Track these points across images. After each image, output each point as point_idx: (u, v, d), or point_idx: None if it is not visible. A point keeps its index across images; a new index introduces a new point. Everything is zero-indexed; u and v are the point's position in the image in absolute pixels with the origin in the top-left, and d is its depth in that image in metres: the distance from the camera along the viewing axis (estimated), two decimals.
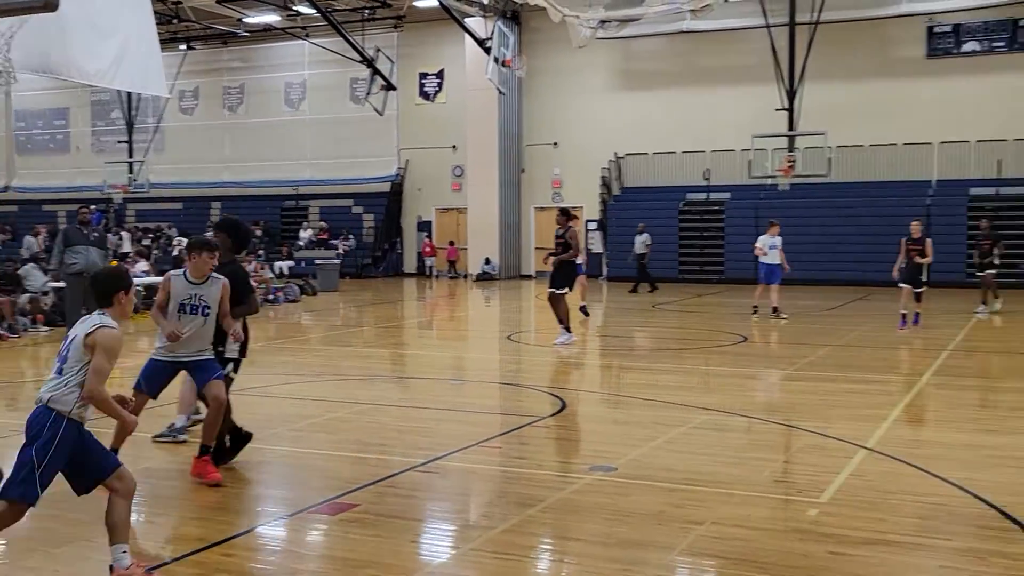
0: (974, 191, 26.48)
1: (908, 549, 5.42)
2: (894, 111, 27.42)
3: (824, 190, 27.24)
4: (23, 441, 4.69)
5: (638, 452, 7.65)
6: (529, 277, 32.43)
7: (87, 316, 4.83)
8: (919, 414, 9.47)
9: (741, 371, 12.25)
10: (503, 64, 28.20)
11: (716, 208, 28.86)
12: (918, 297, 15.98)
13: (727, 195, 29.20)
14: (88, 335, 4.68)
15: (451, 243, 33.41)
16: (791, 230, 25.63)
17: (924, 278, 15.88)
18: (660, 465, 7.20)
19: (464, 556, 5.40)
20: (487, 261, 31.39)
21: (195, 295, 6.72)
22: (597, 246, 30.04)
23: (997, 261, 18.65)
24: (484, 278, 30.94)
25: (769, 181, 26.29)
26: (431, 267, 33.36)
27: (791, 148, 24.49)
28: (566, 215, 14.57)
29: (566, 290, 14.11)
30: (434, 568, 5.28)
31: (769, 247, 18.02)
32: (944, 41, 27.24)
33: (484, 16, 29.33)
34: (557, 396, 10.05)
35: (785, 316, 17.56)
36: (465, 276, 32.28)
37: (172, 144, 36.90)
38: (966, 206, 26.13)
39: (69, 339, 4.77)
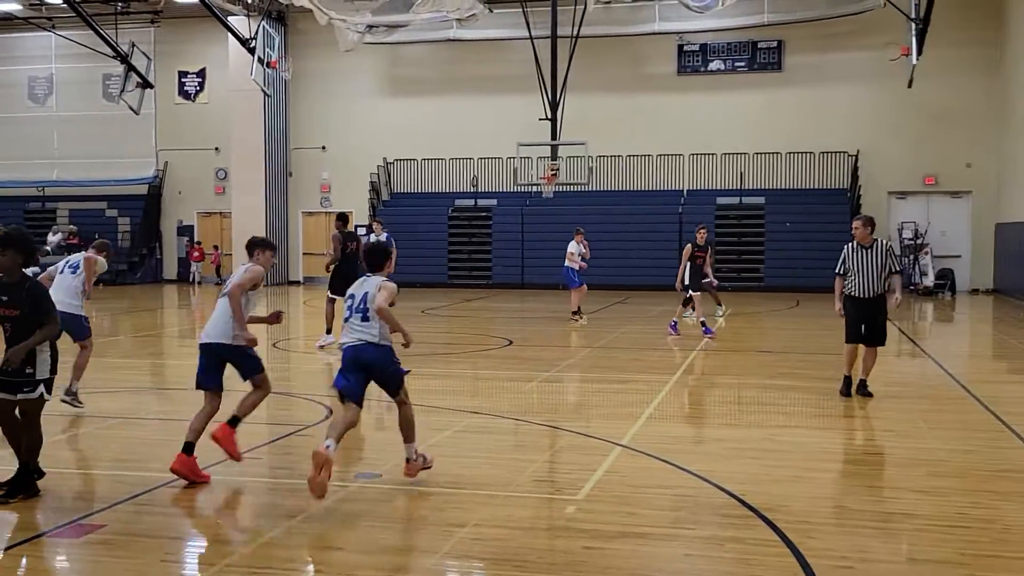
0: (721, 200, 28.35)
1: (657, 540, 5.71)
2: (649, 124, 28.94)
3: (585, 198, 28.40)
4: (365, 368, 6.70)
5: (401, 458, 7.65)
6: (297, 283, 31.82)
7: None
8: (670, 411, 10.00)
9: (506, 374, 12.52)
10: (268, 65, 27.60)
11: (484, 214, 29.41)
12: (686, 302, 16.26)
13: (494, 202, 29.83)
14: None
15: (215, 247, 32.27)
16: (555, 236, 26.50)
17: (713, 280, 16.17)
18: (424, 470, 7.23)
19: (220, 572, 5.21)
20: None
21: None
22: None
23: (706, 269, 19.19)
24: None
25: (534, 188, 27.09)
26: (195, 273, 32.03)
27: (554, 157, 25.32)
28: (343, 220, 15.20)
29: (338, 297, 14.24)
30: None
31: (578, 253, 18.83)
32: (692, 59, 29.04)
33: (248, 15, 28.56)
34: (323, 404, 9.91)
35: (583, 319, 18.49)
36: (218, 283, 31.23)
37: None
38: (714, 214, 27.92)
39: (361, 295, 6.77)
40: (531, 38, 25.74)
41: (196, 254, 32.04)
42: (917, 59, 23.05)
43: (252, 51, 27.07)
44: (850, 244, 10.39)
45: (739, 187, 28.44)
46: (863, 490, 6.76)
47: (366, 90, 31.46)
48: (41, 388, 6.38)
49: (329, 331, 14.66)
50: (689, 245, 15.99)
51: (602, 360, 13.65)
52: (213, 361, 7.32)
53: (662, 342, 15.73)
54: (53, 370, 6.50)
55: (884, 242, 10.30)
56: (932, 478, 7.24)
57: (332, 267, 14.82)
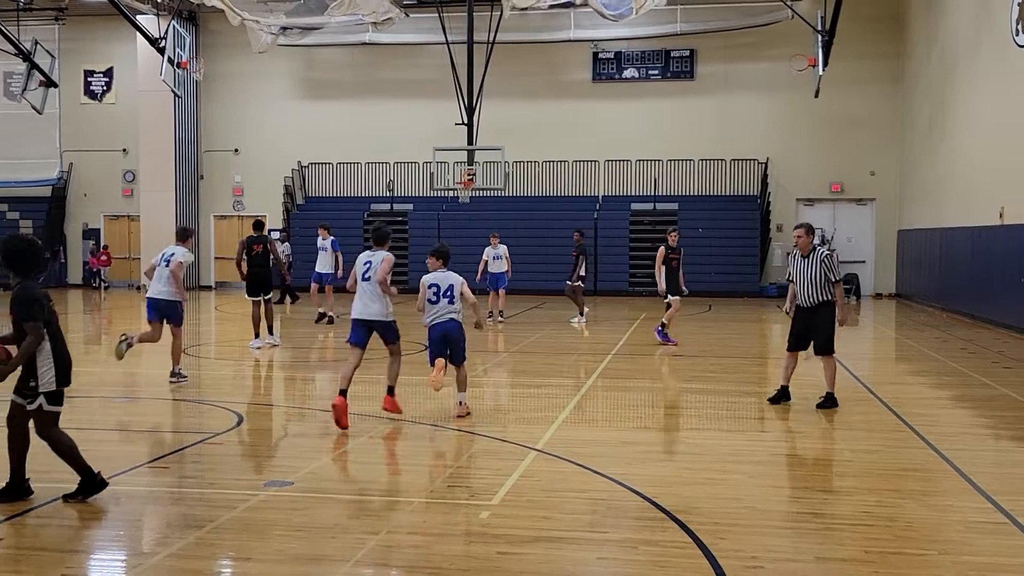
0: (635, 206, 28.69)
1: (571, 544, 5.72)
2: (565, 130, 29.15)
3: (502, 203, 28.45)
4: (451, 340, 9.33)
5: (316, 464, 7.55)
6: (209, 288, 31.20)
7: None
8: (584, 415, 10.06)
9: (422, 379, 12.43)
10: (178, 66, 27.00)
11: (400, 219, 29.24)
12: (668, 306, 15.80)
13: (410, 206, 29.69)
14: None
15: (104, 247, 31.44)
16: (472, 241, 26.44)
17: (684, 288, 15.69)
18: (338, 477, 7.16)
19: None
20: None
21: None
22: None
23: (583, 272, 19.21)
24: None
25: (450, 193, 27.02)
26: (102, 277, 31.15)
27: (471, 162, 25.29)
28: (259, 228, 15.83)
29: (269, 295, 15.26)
30: None
31: (493, 257, 19.49)
32: (607, 67, 29.34)
33: (158, 14, 27.89)
34: (234, 411, 9.72)
35: (503, 320, 19.21)
36: (139, 287, 30.49)
37: None
38: (628, 220, 28.24)
39: (447, 286, 9.41)
40: (447, 43, 25.69)
41: (104, 258, 31.15)
42: (823, 70, 23.66)
43: (162, 51, 26.44)
44: (792, 252, 10.38)
45: (653, 193, 28.81)
46: (772, 491, 6.89)
47: (280, 93, 31.04)
48: (40, 400, 6.29)
49: (258, 335, 15.12)
50: (662, 247, 15.69)
51: (518, 365, 13.67)
52: (366, 330, 9.33)
53: (577, 346, 15.82)
54: (60, 381, 6.36)
55: (821, 251, 10.11)
56: (838, 478, 7.42)
57: (244, 271, 15.37)
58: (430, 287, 9.44)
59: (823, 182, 28.37)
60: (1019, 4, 17.63)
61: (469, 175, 24.82)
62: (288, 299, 23.86)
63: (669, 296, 15.72)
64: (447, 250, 9.74)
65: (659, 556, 5.47)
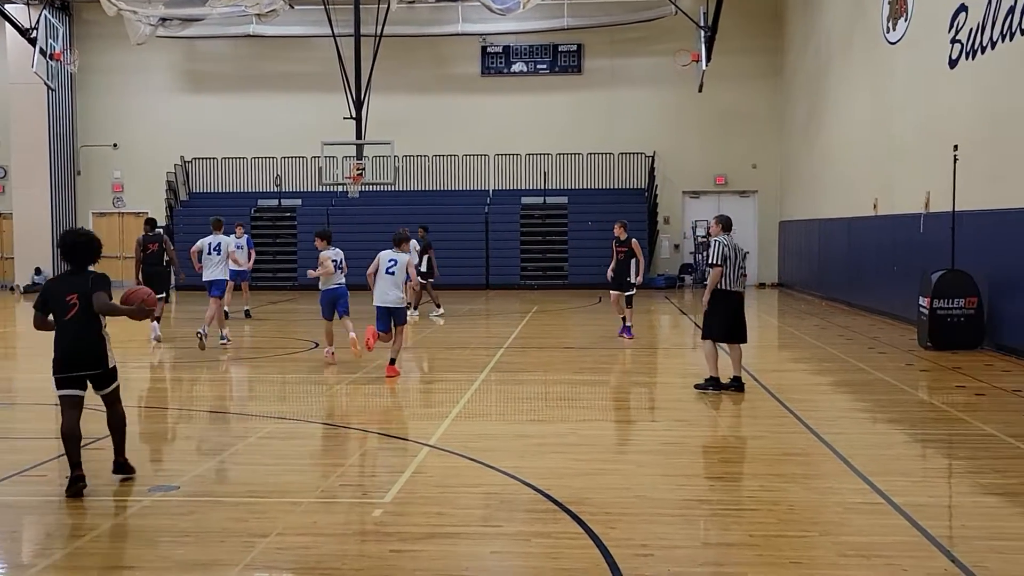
0: (525, 200, 28.86)
1: (465, 539, 5.73)
2: (454, 124, 29.12)
3: (391, 197, 28.28)
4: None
5: (202, 468, 7.38)
6: None
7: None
8: (477, 409, 10.08)
9: (313, 377, 12.28)
10: (51, 57, 26.02)
11: (288, 214, 28.78)
12: (628, 301, 15.62)
13: (298, 201, 29.24)
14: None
15: None
16: (362, 236, 26.18)
17: (634, 281, 15.36)
18: (225, 480, 7.01)
19: None
20: (38, 271, 28.71)
21: None
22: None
23: (424, 269, 19.02)
24: (34, 289, 28.24)
25: (339, 188, 26.71)
26: None
27: (360, 156, 25.06)
28: (151, 225, 16.16)
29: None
30: None
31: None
32: (496, 61, 29.42)
33: (28, 4, 26.76)
34: None
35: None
36: (12, 288, 29.28)
37: None
38: (519, 214, 28.39)
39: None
40: (334, 36, 25.37)
41: None
42: (706, 65, 24.23)
43: (33, 42, 25.42)
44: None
45: (543, 187, 29.04)
46: (660, 479, 7.02)
47: (161, 86, 30.15)
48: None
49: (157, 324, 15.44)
50: (613, 241, 15.69)
51: (409, 360, 13.61)
52: (388, 314, 11.83)
53: (470, 341, 15.85)
54: (56, 369, 6.72)
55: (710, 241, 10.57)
56: (724, 464, 7.62)
57: (139, 269, 15.76)
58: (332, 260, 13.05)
59: (708, 175, 29.05)
60: (889, 2, 18.35)
61: (358, 170, 24.58)
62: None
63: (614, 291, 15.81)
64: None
65: (552, 548, 5.53)
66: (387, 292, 11.77)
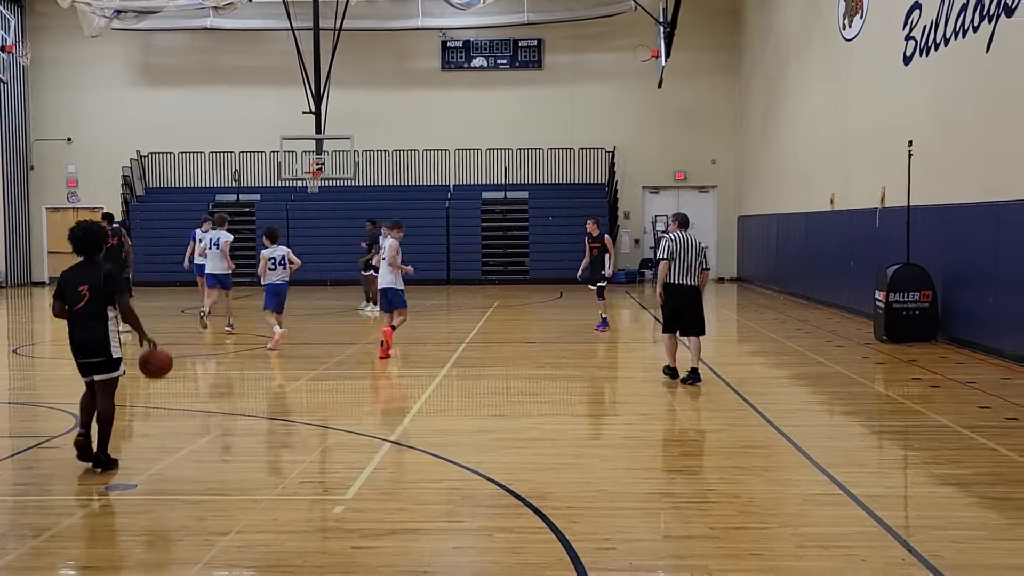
0: (486, 195, 28.84)
1: (427, 535, 5.71)
2: (414, 118, 29.02)
3: (352, 193, 28.13)
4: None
5: (160, 466, 7.29)
6: (42, 284, 29.67)
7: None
8: (439, 405, 10.06)
9: (272, 373, 12.19)
10: (3, 50, 25.56)
11: (247, 210, 28.50)
12: (601, 294, 16.06)
13: (257, 196, 28.99)
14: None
15: None
16: (321, 231, 25.98)
17: (607, 274, 15.85)
18: (183, 477, 6.93)
19: None
20: None
21: None
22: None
23: (374, 262, 19.47)
24: None
25: (299, 183, 26.52)
26: None
27: (319, 151, 24.89)
28: (109, 220, 16.56)
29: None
30: None
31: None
32: (456, 56, 29.35)
33: None
34: (70, 413, 9.26)
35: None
36: None
37: None
38: (480, 208, 28.37)
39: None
40: (292, 29, 25.16)
41: None
42: (666, 61, 24.35)
43: None
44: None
45: (504, 182, 29.03)
46: (623, 473, 7.05)
47: (116, 79, 29.72)
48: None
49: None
50: (585, 238, 16.09)
51: (370, 356, 13.54)
52: (387, 297, 13.11)
53: (431, 336, 15.82)
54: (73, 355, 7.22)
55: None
56: (684, 457, 7.67)
57: None
58: (269, 259, 13.75)
59: (668, 170, 29.20)
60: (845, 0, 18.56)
61: (318, 164, 24.42)
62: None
63: (596, 284, 16.03)
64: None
65: (514, 542, 5.52)
66: (384, 275, 13.20)
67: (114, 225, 16.41)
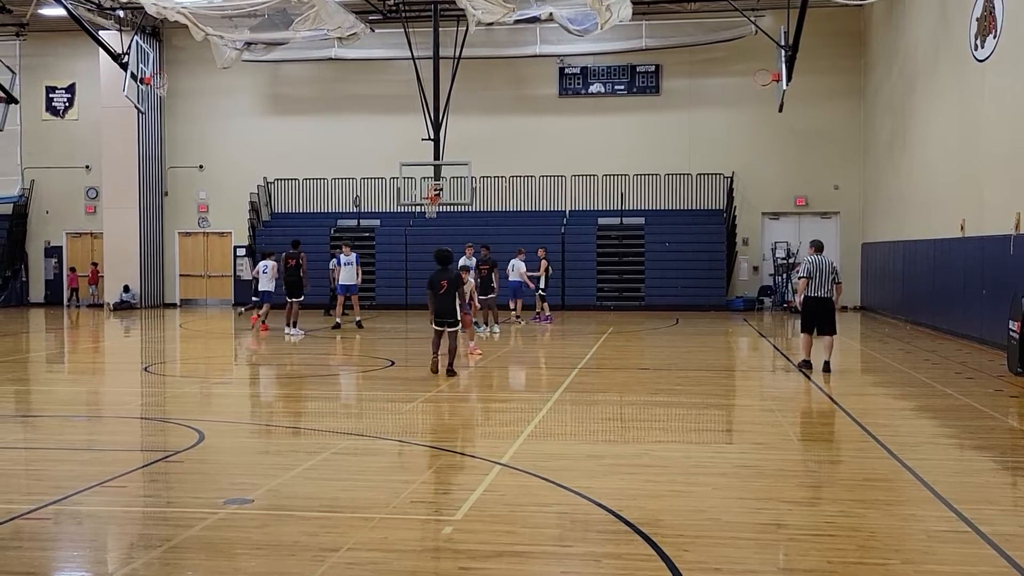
0: (602, 220, 28.76)
1: (535, 558, 5.66)
2: (531, 145, 29.21)
3: (468, 218, 28.41)
4: None
5: (277, 482, 7.45)
6: (174, 306, 30.91)
7: None
8: (550, 429, 10.02)
9: (387, 395, 12.36)
10: (142, 81, 26.82)
11: (367, 234, 29.13)
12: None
13: (377, 222, 29.60)
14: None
15: (93, 264, 31.25)
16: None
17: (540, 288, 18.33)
18: (298, 494, 7.06)
19: None
20: (126, 289, 29.54)
21: None
22: (247, 272, 29.26)
23: (495, 285, 20.53)
24: (123, 307, 29.09)
25: (417, 209, 26.97)
26: (73, 295, 31.02)
27: (437, 177, 25.26)
28: (295, 245, 19.85)
29: None
30: None
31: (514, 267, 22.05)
32: (574, 82, 29.46)
33: (120, 30, 27.71)
34: (195, 428, 9.58)
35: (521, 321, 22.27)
36: (102, 305, 30.16)
37: None
38: (595, 234, 28.31)
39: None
40: (413, 58, 25.69)
41: (85, 276, 31.02)
42: (787, 85, 23.87)
43: (124, 67, 26.25)
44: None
45: (620, 208, 28.91)
46: (736, 502, 6.87)
47: (245, 108, 30.89)
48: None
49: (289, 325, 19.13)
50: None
51: (484, 379, 13.61)
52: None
53: (544, 360, 15.80)
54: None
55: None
56: (802, 488, 7.42)
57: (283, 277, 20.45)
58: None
59: (788, 196, 28.60)
60: (977, 19, 17.90)
61: (436, 190, 24.77)
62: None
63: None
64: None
65: (623, 569, 5.43)
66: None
67: (296, 250, 20.61)
